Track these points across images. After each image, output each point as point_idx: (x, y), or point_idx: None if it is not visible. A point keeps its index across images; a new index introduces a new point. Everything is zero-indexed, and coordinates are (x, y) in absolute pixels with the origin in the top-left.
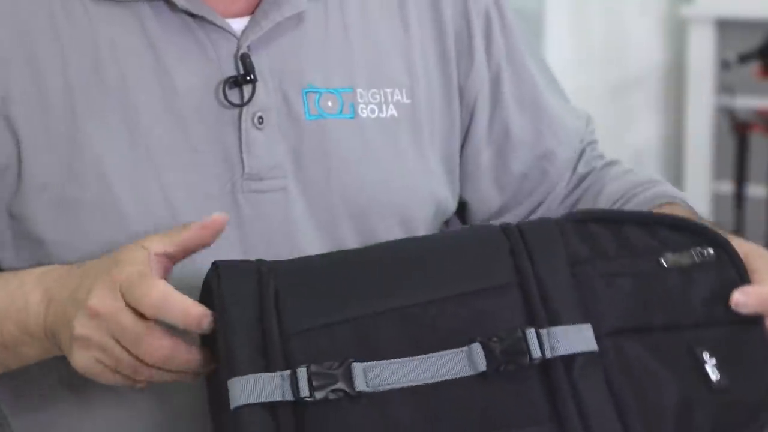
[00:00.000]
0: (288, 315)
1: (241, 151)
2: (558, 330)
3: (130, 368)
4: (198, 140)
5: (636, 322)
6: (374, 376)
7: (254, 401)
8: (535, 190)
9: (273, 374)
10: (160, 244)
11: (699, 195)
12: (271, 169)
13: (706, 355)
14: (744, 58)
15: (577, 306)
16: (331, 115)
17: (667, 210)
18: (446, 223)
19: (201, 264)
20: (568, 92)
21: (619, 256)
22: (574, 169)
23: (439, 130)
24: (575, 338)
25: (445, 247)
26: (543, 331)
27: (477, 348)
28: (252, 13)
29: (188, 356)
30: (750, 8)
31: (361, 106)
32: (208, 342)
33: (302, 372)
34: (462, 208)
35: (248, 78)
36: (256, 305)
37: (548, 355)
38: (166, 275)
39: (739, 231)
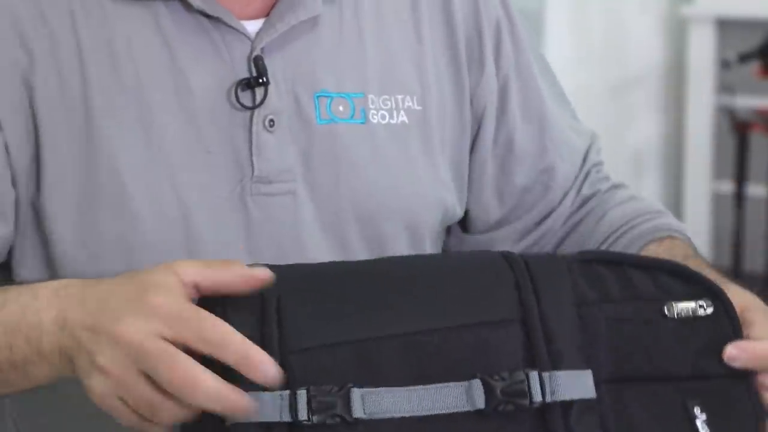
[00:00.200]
0: (290, 330)
1: (251, 154)
2: (560, 375)
3: (149, 406)
4: (210, 141)
5: (634, 370)
6: (371, 403)
7: (253, 420)
8: (536, 205)
9: (273, 394)
10: (193, 274)
11: (699, 194)
12: (280, 172)
13: (697, 410)
14: (744, 58)
15: (581, 349)
16: (342, 120)
17: (667, 244)
18: (448, 228)
19: None
20: (568, 91)
21: (623, 299)
22: (579, 190)
23: (449, 137)
24: (576, 384)
25: (449, 274)
26: (545, 375)
27: (477, 384)
28: (267, 15)
29: (217, 384)
30: (750, 8)
31: (372, 111)
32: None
33: (302, 394)
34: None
35: (261, 80)
36: (258, 314)
37: (548, 399)
38: None
39: (739, 230)
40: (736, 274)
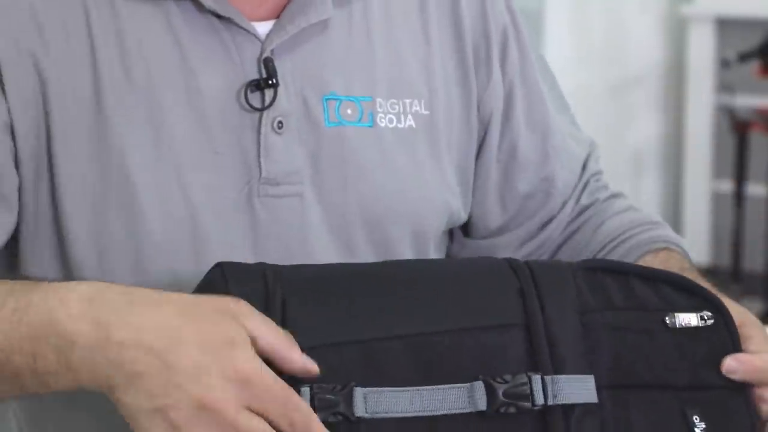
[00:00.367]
0: (294, 329)
1: (259, 155)
2: (562, 379)
3: None
4: (219, 142)
5: (635, 377)
6: (374, 402)
7: None
8: (537, 212)
9: None
10: (259, 332)
11: (699, 194)
12: (288, 174)
13: (696, 419)
14: (744, 57)
15: (584, 355)
16: (350, 123)
17: (663, 256)
18: (450, 233)
19: (207, 267)
20: (568, 91)
21: (626, 308)
22: (578, 199)
23: (456, 141)
24: (578, 389)
25: (454, 278)
26: (548, 378)
27: (479, 386)
28: (277, 17)
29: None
30: (750, 7)
31: (380, 115)
32: None
33: (305, 392)
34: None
35: (270, 82)
36: (262, 312)
37: (550, 402)
38: None
39: (738, 230)
40: (736, 273)
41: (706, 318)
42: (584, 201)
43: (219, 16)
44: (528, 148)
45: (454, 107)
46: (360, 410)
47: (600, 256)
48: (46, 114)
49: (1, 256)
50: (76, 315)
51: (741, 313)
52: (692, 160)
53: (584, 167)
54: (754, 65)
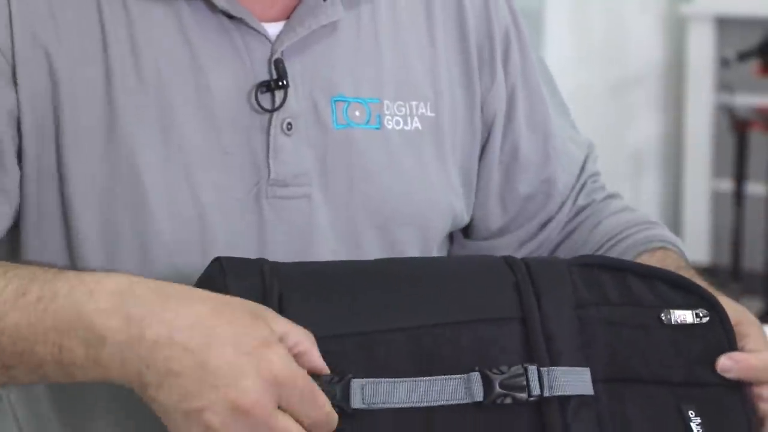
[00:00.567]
0: (292, 320)
1: (268, 157)
2: (559, 370)
3: None
4: (228, 142)
5: (631, 372)
6: (371, 393)
7: None
8: (537, 214)
9: None
10: (289, 333)
11: (698, 193)
12: (296, 176)
13: (692, 414)
14: (743, 56)
15: (580, 349)
16: (358, 125)
17: (659, 255)
18: (450, 235)
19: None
20: (568, 91)
21: (622, 304)
22: (575, 200)
23: (460, 143)
24: (574, 380)
25: (451, 274)
26: (544, 370)
27: (476, 377)
28: (287, 18)
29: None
30: (749, 6)
31: (387, 117)
32: None
33: None
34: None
35: (281, 84)
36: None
37: (546, 393)
38: None
39: (738, 229)
40: (736, 272)
41: (701, 315)
42: (581, 201)
43: (230, 17)
44: (529, 150)
45: (458, 109)
46: (357, 402)
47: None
48: (56, 111)
49: (1, 244)
50: (105, 309)
51: (738, 312)
52: (692, 159)
53: (582, 168)
54: (753, 64)
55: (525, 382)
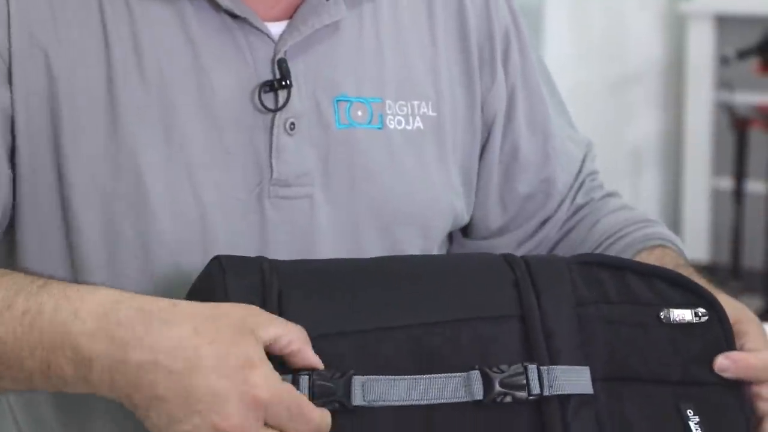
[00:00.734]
0: (291, 319)
1: (270, 156)
2: (558, 369)
3: None
4: (230, 142)
5: (629, 371)
6: (371, 391)
7: None
8: (536, 214)
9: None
10: (281, 336)
11: (698, 191)
12: (298, 176)
13: (690, 413)
14: (743, 54)
15: (579, 347)
16: (360, 125)
17: (658, 253)
18: (449, 234)
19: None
20: (567, 88)
21: (621, 302)
22: (573, 198)
23: (460, 143)
24: (574, 379)
25: (451, 272)
26: (544, 369)
27: (476, 376)
28: (290, 18)
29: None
30: (749, 4)
31: (389, 117)
32: None
33: (304, 379)
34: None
35: (284, 83)
36: (259, 304)
37: (546, 392)
38: None
39: (738, 227)
40: (735, 270)
41: (700, 315)
42: (580, 200)
43: (233, 16)
44: (529, 150)
45: (459, 108)
46: (358, 399)
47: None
48: (54, 111)
49: None
50: (91, 331)
51: (738, 310)
52: (692, 157)
53: (581, 167)
54: (753, 62)
55: (525, 381)
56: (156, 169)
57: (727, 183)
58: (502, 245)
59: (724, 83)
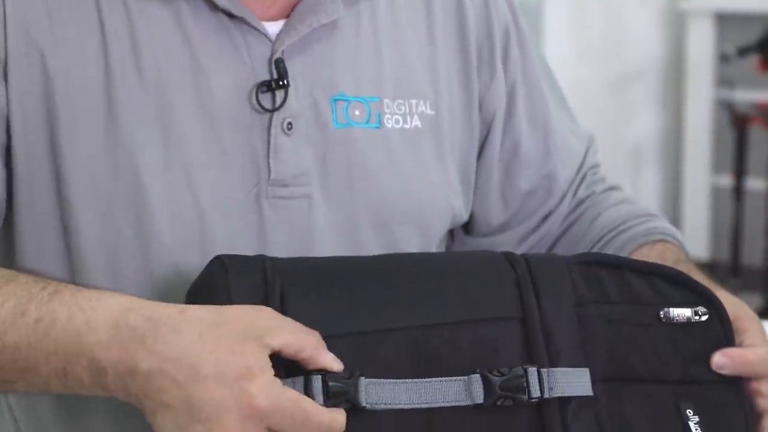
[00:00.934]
0: (295, 319)
1: (268, 156)
2: (558, 372)
3: None
4: (228, 142)
5: (630, 371)
6: (372, 394)
7: None
8: (538, 210)
9: (285, 380)
10: (291, 343)
11: (698, 188)
12: (296, 176)
13: (690, 412)
14: (743, 52)
15: (579, 348)
16: (358, 124)
17: (659, 247)
18: (450, 232)
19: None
20: (567, 86)
21: (621, 302)
22: (575, 192)
23: (458, 142)
24: (574, 382)
25: (452, 272)
26: (544, 371)
27: (476, 379)
28: (287, 17)
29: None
30: (749, 1)
31: (387, 116)
32: None
33: (317, 379)
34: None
35: (281, 83)
36: (261, 303)
37: (546, 395)
38: None
39: (738, 224)
40: (735, 267)
41: (700, 313)
42: (581, 194)
43: (230, 16)
44: (530, 146)
45: (456, 107)
46: (362, 400)
47: (597, 247)
48: (50, 110)
49: None
50: (104, 342)
51: (737, 307)
52: (692, 154)
53: (583, 161)
54: (753, 60)
55: (525, 384)
56: (154, 169)
57: (727, 180)
58: (504, 241)
59: (724, 81)
